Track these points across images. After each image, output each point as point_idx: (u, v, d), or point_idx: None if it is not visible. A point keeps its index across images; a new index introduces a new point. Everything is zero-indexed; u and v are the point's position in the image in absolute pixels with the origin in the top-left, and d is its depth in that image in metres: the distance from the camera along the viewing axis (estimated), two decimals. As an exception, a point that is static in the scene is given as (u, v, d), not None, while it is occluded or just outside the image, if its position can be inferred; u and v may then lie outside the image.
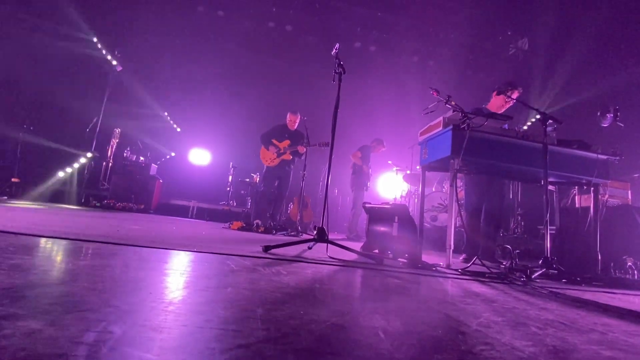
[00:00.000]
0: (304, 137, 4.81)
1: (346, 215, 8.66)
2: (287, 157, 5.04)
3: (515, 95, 3.23)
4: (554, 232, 3.20)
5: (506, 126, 3.20)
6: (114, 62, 7.28)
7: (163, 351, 0.55)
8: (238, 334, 0.66)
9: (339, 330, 0.77)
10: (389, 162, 6.57)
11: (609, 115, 2.90)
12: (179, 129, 8.84)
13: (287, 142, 5.05)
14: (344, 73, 2.53)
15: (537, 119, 2.67)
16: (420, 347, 0.73)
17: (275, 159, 5.02)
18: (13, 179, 5.44)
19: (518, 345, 0.78)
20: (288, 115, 5.17)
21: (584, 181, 2.84)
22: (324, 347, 0.65)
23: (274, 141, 5.09)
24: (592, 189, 2.78)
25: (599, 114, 2.95)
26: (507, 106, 3.36)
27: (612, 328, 1.11)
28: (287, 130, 5.16)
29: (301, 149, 4.85)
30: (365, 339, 0.73)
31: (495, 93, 3.37)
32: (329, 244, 2.36)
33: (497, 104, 3.38)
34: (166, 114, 8.58)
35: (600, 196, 2.94)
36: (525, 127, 6.77)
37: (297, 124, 5.18)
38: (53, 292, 0.82)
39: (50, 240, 1.58)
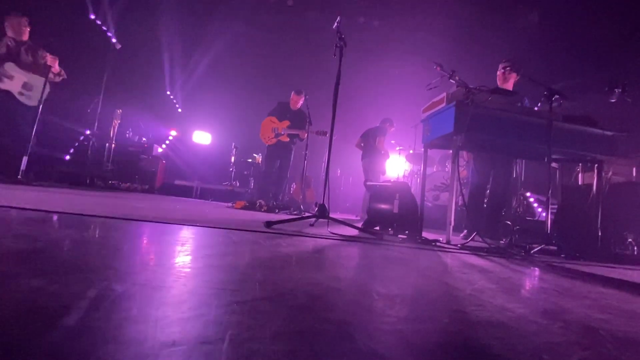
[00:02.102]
0: (306, 118, 4.74)
1: (349, 196, 8.68)
2: (285, 139, 4.99)
3: (512, 72, 3.14)
4: (555, 209, 3.19)
5: (527, 103, 3.13)
6: (113, 40, 7.14)
7: (162, 305, 0.57)
8: (236, 293, 0.68)
9: (335, 292, 0.79)
10: (392, 141, 6.50)
11: (617, 90, 2.83)
12: (180, 110, 8.79)
13: (286, 123, 4.99)
14: (345, 46, 2.46)
15: (543, 95, 2.58)
16: (413, 307, 0.75)
17: (272, 138, 4.99)
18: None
19: (509, 307, 0.80)
20: (292, 95, 5.10)
21: (588, 157, 2.80)
22: (318, 304, 0.67)
23: (274, 119, 5.03)
24: (595, 165, 2.75)
25: (606, 88, 2.87)
26: (509, 82, 3.26)
27: (606, 296, 1.13)
28: (288, 110, 5.09)
29: (302, 135, 4.79)
30: (359, 300, 0.75)
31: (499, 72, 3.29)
32: (330, 222, 2.39)
33: (500, 81, 3.30)
34: (168, 92, 8.51)
35: (603, 173, 2.90)
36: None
37: (300, 104, 5.10)
38: (57, 257, 0.85)
39: (56, 215, 1.62)
